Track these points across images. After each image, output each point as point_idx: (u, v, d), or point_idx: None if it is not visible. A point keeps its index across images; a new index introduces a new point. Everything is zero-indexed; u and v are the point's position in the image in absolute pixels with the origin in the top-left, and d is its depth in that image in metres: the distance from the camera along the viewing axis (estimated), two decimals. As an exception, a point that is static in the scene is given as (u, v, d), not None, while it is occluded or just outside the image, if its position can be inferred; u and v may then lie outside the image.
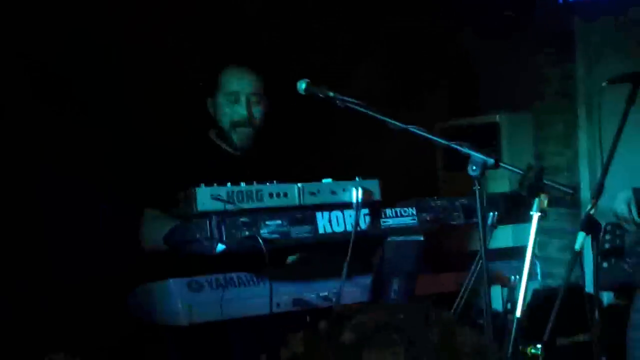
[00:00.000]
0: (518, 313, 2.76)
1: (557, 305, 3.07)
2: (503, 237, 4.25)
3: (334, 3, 5.44)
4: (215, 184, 2.85)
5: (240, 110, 3.67)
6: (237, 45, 4.82)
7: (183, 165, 3.54)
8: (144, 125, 4.45)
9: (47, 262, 4.05)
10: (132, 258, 3.56)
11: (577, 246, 3.14)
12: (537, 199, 2.75)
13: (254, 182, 2.94)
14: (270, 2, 5.10)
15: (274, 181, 2.98)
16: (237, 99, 3.69)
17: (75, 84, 4.30)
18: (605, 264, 4.62)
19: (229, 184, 2.87)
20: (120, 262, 3.91)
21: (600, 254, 4.23)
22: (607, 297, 5.32)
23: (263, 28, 5.03)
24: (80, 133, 4.28)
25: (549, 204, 2.75)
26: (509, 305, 3.65)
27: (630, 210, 3.77)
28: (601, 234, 3.97)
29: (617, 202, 3.82)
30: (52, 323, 3.93)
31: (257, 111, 3.72)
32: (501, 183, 5.28)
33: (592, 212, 3.16)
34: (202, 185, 2.81)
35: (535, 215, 2.76)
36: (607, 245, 4.73)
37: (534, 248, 2.84)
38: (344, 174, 3.18)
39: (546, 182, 2.86)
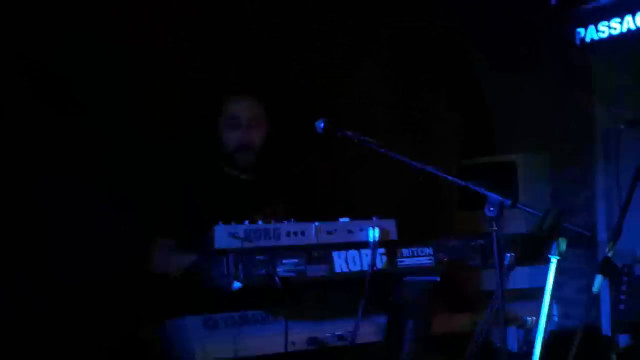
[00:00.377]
0: (537, 356, 2.75)
1: (574, 347, 3.06)
2: (519, 278, 4.23)
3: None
4: (233, 222, 2.86)
5: (241, 134, 3.78)
6: (238, 47, 4.82)
7: (195, 196, 3.58)
8: (147, 131, 4.46)
9: (47, 262, 4.03)
10: (131, 258, 3.58)
11: (595, 288, 3.13)
12: (556, 242, 2.75)
13: (272, 221, 2.95)
14: (270, 2, 5.09)
15: (292, 220, 3.00)
16: (238, 124, 3.78)
17: (75, 85, 4.31)
18: (622, 306, 4.60)
19: (246, 222, 2.88)
20: (119, 262, 3.91)
21: (617, 296, 4.22)
22: (623, 339, 5.27)
23: (263, 29, 5.03)
24: (80, 133, 4.28)
25: (567, 246, 2.74)
26: (524, 347, 3.63)
27: None
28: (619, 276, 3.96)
29: None
30: (52, 323, 3.91)
31: (257, 134, 3.83)
32: (517, 223, 5.25)
33: (610, 254, 3.15)
34: (220, 223, 2.83)
35: (554, 259, 2.75)
36: (624, 288, 4.72)
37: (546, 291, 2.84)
38: (360, 210, 3.18)
39: (564, 224, 2.85)
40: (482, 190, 2.84)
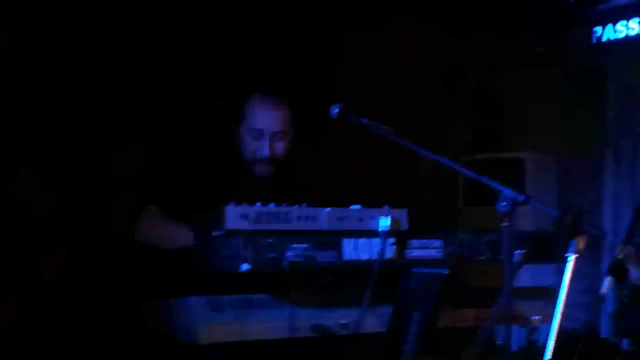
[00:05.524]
0: (549, 355, 2.72)
1: (578, 349, 3.04)
2: (523, 276, 4.20)
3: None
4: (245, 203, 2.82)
5: (263, 150, 3.63)
6: (264, 65, 4.80)
7: (208, 183, 3.52)
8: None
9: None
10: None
11: (602, 290, 3.10)
12: (574, 241, 2.72)
13: (283, 204, 2.91)
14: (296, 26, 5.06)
15: (304, 204, 2.96)
16: (260, 136, 3.63)
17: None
18: (624, 309, 4.58)
19: (258, 204, 2.84)
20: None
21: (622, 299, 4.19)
22: (623, 343, 5.25)
23: (289, 50, 5.01)
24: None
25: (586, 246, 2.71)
26: (527, 346, 3.61)
27: None
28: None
29: None
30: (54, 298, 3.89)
31: (280, 147, 3.67)
32: (524, 220, 5.21)
33: (620, 256, 3.12)
34: (232, 203, 2.79)
35: (573, 257, 2.72)
36: (627, 292, 4.70)
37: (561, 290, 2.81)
38: (368, 201, 3.14)
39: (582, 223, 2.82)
40: (495, 184, 2.81)
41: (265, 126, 3.61)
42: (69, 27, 4.18)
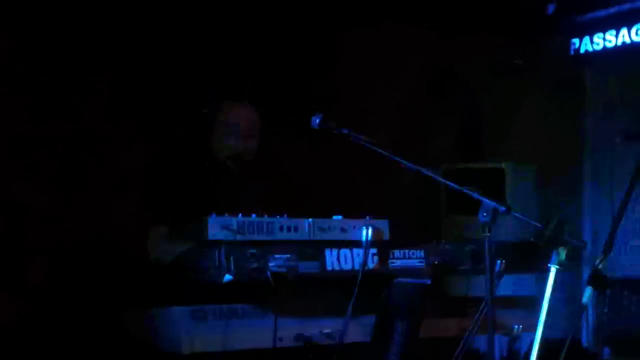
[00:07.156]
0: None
1: (560, 358, 3.06)
2: (504, 285, 4.21)
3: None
4: (226, 214, 2.83)
5: (237, 144, 3.70)
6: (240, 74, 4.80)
7: (192, 183, 3.52)
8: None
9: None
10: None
11: (584, 300, 3.12)
12: (556, 252, 2.74)
13: (265, 215, 2.92)
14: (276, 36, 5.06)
15: (285, 215, 2.97)
16: (234, 132, 3.71)
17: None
18: (604, 318, 4.61)
19: (240, 215, 2.85)
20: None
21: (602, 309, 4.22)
22: (604, 352, 5.28)
23: (268, 61, 5.01)
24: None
25: (567, 257, 2.73)
26: (508, 355, 3.62)
27: None
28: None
29: None
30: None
31: (252, 143, 3.75)
32: (504, 231, 5.23)
33: (600, 266, 3.13)
34: (214, 214, 2.79)
35: (554, 268, 2.74)
36: (608, 301, 4.73)
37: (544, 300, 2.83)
38: (350, 211, 3.16)
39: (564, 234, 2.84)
40: (476, 195, 2.83)
41: (239, 121, 3.73)
42: (69, 27, 4.17)
